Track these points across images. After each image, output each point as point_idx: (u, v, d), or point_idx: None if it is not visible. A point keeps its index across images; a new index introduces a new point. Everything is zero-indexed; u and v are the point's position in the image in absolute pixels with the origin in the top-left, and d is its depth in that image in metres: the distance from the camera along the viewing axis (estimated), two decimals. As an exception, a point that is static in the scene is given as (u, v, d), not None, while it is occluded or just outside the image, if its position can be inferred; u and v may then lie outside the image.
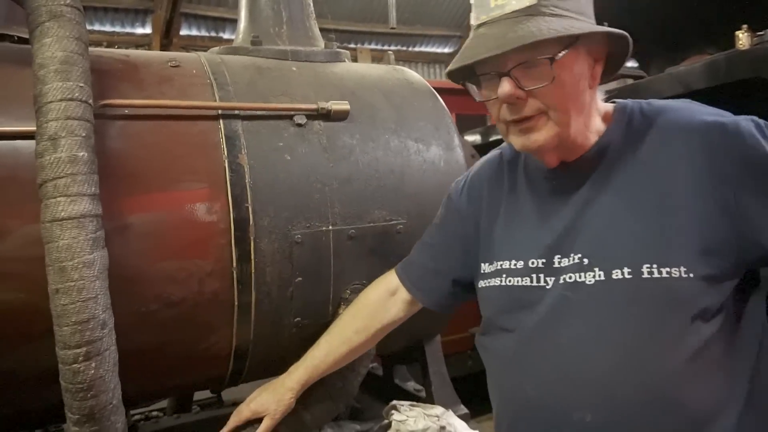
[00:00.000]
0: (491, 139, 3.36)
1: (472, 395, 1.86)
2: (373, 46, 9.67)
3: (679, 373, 0.82)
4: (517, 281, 0.97)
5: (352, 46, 9.31)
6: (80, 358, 0.98)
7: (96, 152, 1.06)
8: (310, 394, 1.28)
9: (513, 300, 0.97)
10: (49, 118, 0.97)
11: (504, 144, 1.10)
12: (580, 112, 0.89)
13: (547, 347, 0.91)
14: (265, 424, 1.20)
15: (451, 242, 1.15)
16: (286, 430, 1.25)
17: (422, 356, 1.74)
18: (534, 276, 0.94)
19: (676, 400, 0.82)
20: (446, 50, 11.19)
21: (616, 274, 0.85)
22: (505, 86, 0.86)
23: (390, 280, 1.24)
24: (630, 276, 0.84)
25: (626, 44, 0.90)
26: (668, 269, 0.82)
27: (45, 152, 0.96)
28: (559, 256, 0.92)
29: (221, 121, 1.26)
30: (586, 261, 0.89)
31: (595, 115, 0.94)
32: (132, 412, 1.96)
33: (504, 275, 1.00)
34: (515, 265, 0.98)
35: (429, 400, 1.69)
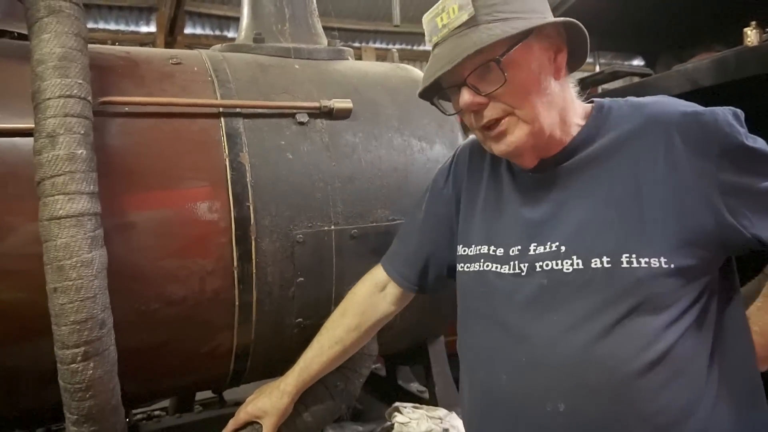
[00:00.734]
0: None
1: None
2: (377, 45, 9.63)
3: (652, 366, 0.81)
4: (495, 267, 0.97)
5: (357, 44, 9.29)
6: (78, 358, 0.97)
7: (96, 149, 1.05)
8: (311, 395, 1.27)
9: (489, 287, 0.98)
10: (48, 115, 0.96)
11: None
12: (548, 104, 0.90)
13: (521, 335, 0.91)
14: (264, 428, 1.19)
15: (436, 224, 1.16)
16: (286, 431, 1.24)
17: (425, 357, 1.72)
18: (511, 264, 0.95)
19: (649, 393, 0.81)
20: (451, 49, 11.14)
21: (595, 263, 0.85)
22: (464, 95, 0.90)
23: (377, 274, 1.24)
24: (609, 265, 0.84)
25: (582, 31, 0.92)
26: (647, 259, 0.82)
27: (43, 149, 0.95)
28: (536, 243, 0.93)
29: (222, 118, 1.24)
30: (563, 249, 0.89)
31: (571, 108, 0.95)
32: (134, 411, 1.96)
33: (482, 260, 1.00)
34: (493, 251, 0.99)
35: (432, 401, 1.67)
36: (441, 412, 1.43)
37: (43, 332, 0.99)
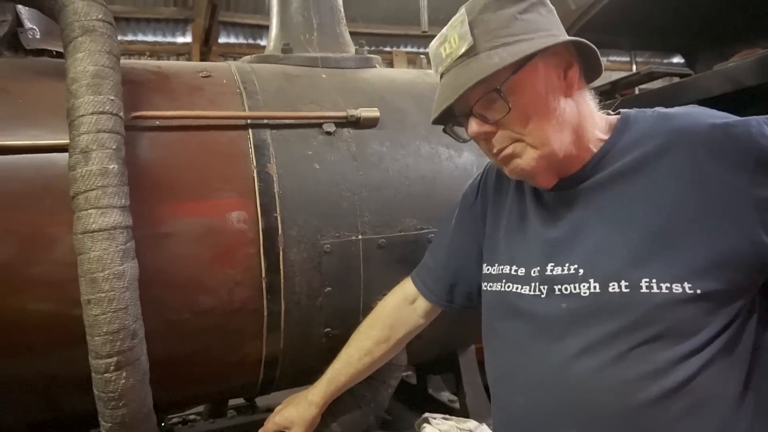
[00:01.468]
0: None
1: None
2: (408, 49, 9.63)
3: (668, 395, 0.76)
4: (517, 288, 0.95)
5: (388, 49, 9.31)
6: (111, 368, 0.99)
7: (128, 163, 1.07)
8: (339, 406, 1.27)
9: (510, 307, 0.95)
10: (81, 132, 0.98)
11: None
12: (559, 125, 0.87)
13: (538, 358, 0.88)
14: None
15: (465, 241, 1.14)
16: (315, 441, 1.24)
17: (456, 366, 1.70)
18: (531, 285, 0.92)
19: (665, 423, 0.77)
20: (482, 51, 11.02)
21: (612, 287, 0.81)
22: (472, 126, 0.89)
23: (407, 287, 1.24)
24: (627, 290, 0.80)
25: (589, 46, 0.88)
26: (668, 284, 0.77)
27: (77, 165, 0.98)
28: (553, 264, 0.90)
29: (250, 130, 1.26)
30: (581, 271, 0.85)
31: (589, 123, 0.91)
32: (169, 416, 2.00)
33: (504, 280, 0.98)
34: (514, 271, 0.96)
35: (463, 411, 1.65)
36: (471, 424, 1.40)
37: (80, 341, 1.01)
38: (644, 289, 0.78)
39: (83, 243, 0.97)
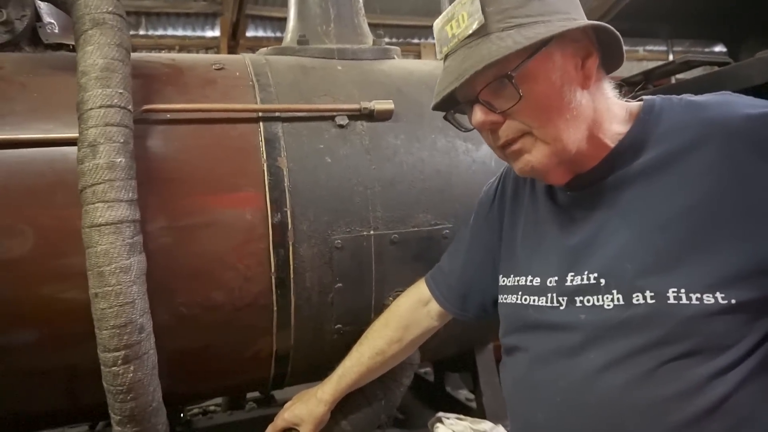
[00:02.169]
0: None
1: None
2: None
3: (705, 415, 0.69)
4: (533, 300, 0.88)
5: (416, 41, 9.22)
6: (119, 361, 1.00)
7: (139, 156, 1.07)
8: (349, 404, 1.25)
9: (527, 320, 0.89)
10: (89, 125, 0.98)
11: None
12: (573, 119, 0.79)
13: (559, 373, 0.82)
14: None
15: (480, 250, 1.09)
16: (325, 439, 1.23)
17: (474, 364, 1.66)
18: (549, 296, 0.85)
19: None
20: (513, 42, 10.82)
21: (637, 299, 0.74)
22: (477, 114, 0.81)
23: (422, 289, 1.20)
24: (653, 301, 0.72)
25: (612, 31, 0.80)
26: (698, 294, 0.70)
27: (85, 159, 0.98)
28: (573, 273, 0.83)
29: (261, 123, 1.24)
30: (603, 281, 0.78)
31: (607, 116, 0.84)
32: (189, 407, 2.03)
33: (520, 292, 0.92)
34: (531, 282, 0.90)
35: (480, 410, 1.61)
36: (486, 425, 1.37)
37: (93, 334, 1.02)
38: (672, 300, 0.71)
39: (90, 237, 0.97)
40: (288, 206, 1.21)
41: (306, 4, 1.67)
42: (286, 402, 2.04)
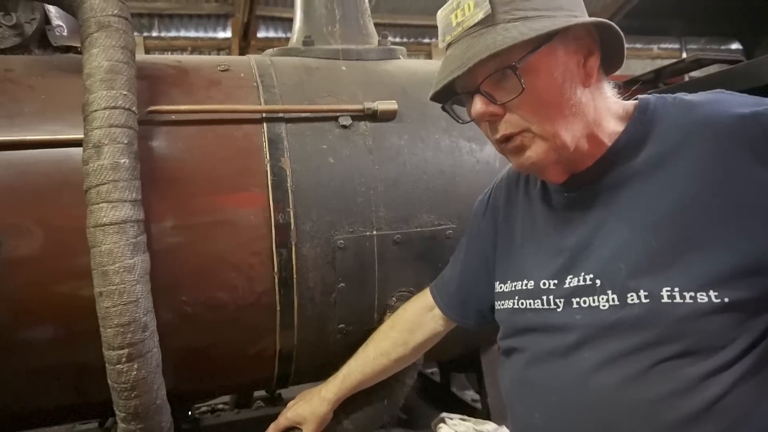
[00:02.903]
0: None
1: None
2: (448, 40, 9.49)
3: (698, 415, 0.69)
4: (530, 303, 0.88)
5: (426, 40, 9.21)
6: (123, 359, 1.01)
7: (143, 157, 1.08)
8: (352, 403, 1.26)
9: (525, 323, 0.89)
10: (94, 126, 1.00)
11: None
12: (573, 116, 0.79)
13: (554, 374, 0.82)
14: None
15: (475, 259, 1.10)
16: (327, 439, 1.23)
17: (479, 364, 1.66)
18: (545, 298, 0.85)
19: None
20: (525, 40, 10.76)
21: (632, 299, 0.74)
22: (477, 104, 0.80)
23: (427, 296, 1.22)
24: (647, 300, 0.72)
25: (616, 30, 0.80)
26: (692, 293, 0.70)
27: (90, 159, 0.99)
28: (570, 275, 0.82)
29: (265, 124, 1.25)
30: (598, 282, 0.78)
31: (604, 116, 0.84)
32: (197, 405, 2.05)
33: (516, 297, 0.92)
34: (527, 285, 0.90)
35: (484, 411, 1.61)
36: (490, 426, 1.36)
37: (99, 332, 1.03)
38: (666, 299, 0.71)
39: (95, 236, 0.98)
40: (291, 206, 1.21)
41: (312, 6, 1.68)
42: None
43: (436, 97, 0.88)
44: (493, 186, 1.12)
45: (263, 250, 1.20)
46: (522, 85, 0.76)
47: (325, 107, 1.31)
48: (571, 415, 0.79)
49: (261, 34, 7.20)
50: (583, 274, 0.81)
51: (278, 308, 1.23)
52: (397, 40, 8.50)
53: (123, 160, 1.00)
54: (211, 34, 7.14)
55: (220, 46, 7.24)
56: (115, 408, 1.07)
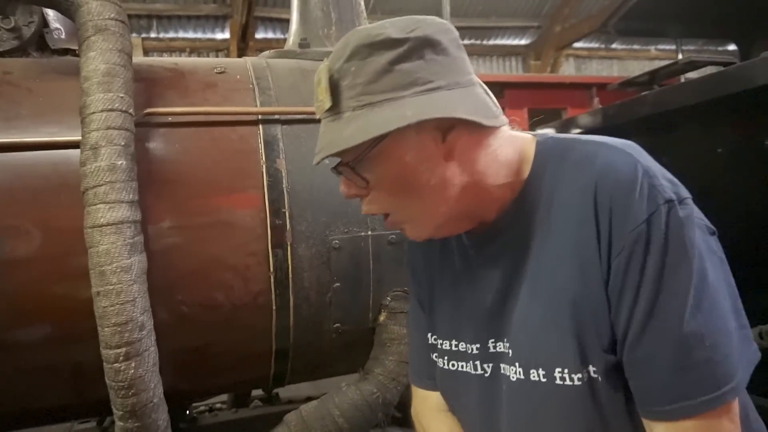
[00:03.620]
0: (569, 133, 3.11)
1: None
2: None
3: None
4: (461, 366, 0.85)
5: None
6: (120, 358, 1.02)
7: (140, 159, 1.10)
8: (346, 402, 1.27)
9: (459, 385, 0.87)
10: (91, 129, 1.01)
11: None
12: (434, 196, 0.73)
13: None
14: None
15: (420, 317, 0.99)
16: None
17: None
18: (472, 363, 0.83)
19: None
20: (523, 42, 10.82)
21: (533, 375, 0.73)
22: (341, 185, 0.77)
23: (424, 398, 0.98)
24: (545, 380, 0.72)
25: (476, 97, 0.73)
26: (580, 375, 0.69)
27: (87, 161, 1.01)
28: (493, 340, 0.80)
29: (261, 125, 1.27)
30: (510, 353, 0.77)
31: (490, 172, 0.76)
32: (195, 404, 2.06)
33: (446, 357, 0.88)
34: (455, 346, 0.86)
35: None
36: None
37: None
38: (558, 381, 0.71)
39: (92, 237, 1.00)
40: (286, 207, 1.23)
41: (308, 8, 1.70)
42: (290, 401, 2.09)
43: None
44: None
45: (259, 251, 1.22)
46: (365, 180, 0.73)
47: (320, 109, 1.32)
48: None
49: (259, 35, 7.22)
50: (505, 339, 0.79)
51: (274, 308, 1.25)
52: (396, 41, 8.50)
53: (120, 162, 1.02)
54: (209, 35, 7.15)
55: (219, 47, 7.26)
56: (112, 406, 1.09)
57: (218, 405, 2.18)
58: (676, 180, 0.72)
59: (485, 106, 0.73)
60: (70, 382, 1.24)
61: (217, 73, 1.35)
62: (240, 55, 6.88)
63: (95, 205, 1.00)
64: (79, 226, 1.04)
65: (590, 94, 5.68)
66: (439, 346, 0.90)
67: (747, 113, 1.98)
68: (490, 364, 0.81)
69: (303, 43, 1.59)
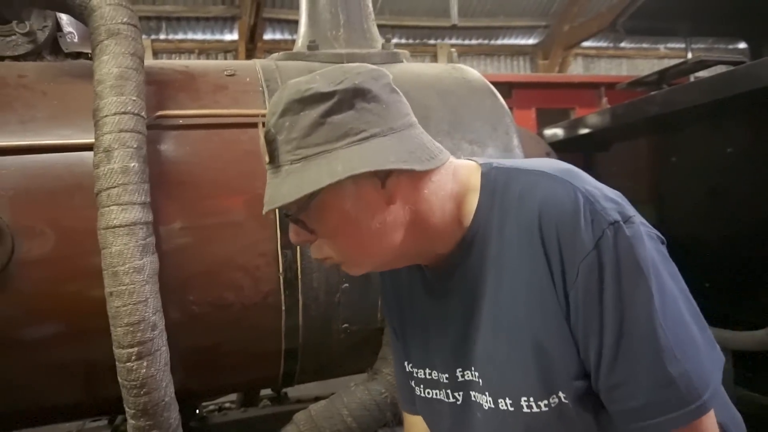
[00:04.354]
0: (576, 135, 3.09)
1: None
2: (453, 41, 9.53)
3: None
4: (435, 394, 0.87)
5: (432, 42, 9.23)
6: (133, 357, 1.04)
7: (152, 160, 1.12)
8: (355, 402, 1.28)
9: (435, 413, 0.89)
10: (104, 131, 1.03)
11: None
12: (377, 239, 0.74)
13: None
14: None
15: (397, 344, 1.00)
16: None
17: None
18: (444, 391, 0.85)
19: None
20: (530, 41, 10.78)
21: (502, 404, 0.75)
22: (291, 232, 0.78)
23: (412, 423, 1.02)
24: (512, 408, 0.74)
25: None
26: (546, 401, 0.71)
27: (100, 163, 1.03)
28: (461, 369, 0.82)
29: (270, 127, 1.28)
30: (481, 382, 0.79)
31: (437, 207, 0.77)
32: (205, 403, 2.08)
33: (421, 385, 0.90)
34: (428, 375, 0.88)
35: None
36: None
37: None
38: (525, 409, 0.73)
39: (105, 238, 1.02)
40: (295, 208, 1.24)
41: (316, 10, 1.71)
42: (299, 400, 2.10)
43: None
44: None
45: (269, 251, 1.23)
46: (310, 229, 0.75)
47: (329, 111, 1.34)
48: None
49: (267, 36, 7.26)
50: (473, 368, 0.80)
51: (283, 308, 1.26)
52: (402, 41, 8.55)
53: (132, 164, 1.03)
54: (218, 37, 7.20)
55: (227, 49, 7.31)
56: (125, 405, 1.10)
57: (227, 404, 2.20)
58: (618, 197, 0.72)
59: (421, 148, 0.74)
60: (82, 381, 1.26)
61: (227, 75, 1.37)
62: (248, 56, 6.92)
63: (108, 206, 1.01)
64: (92, 227, 1.05)
65: (599, 94, 5.66)
66: (414, 374, 0.92)
67: (757, 113, 1.97)
68: (461, 393, 0.82)
69: (312, 45, 1.60)
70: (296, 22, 1.84)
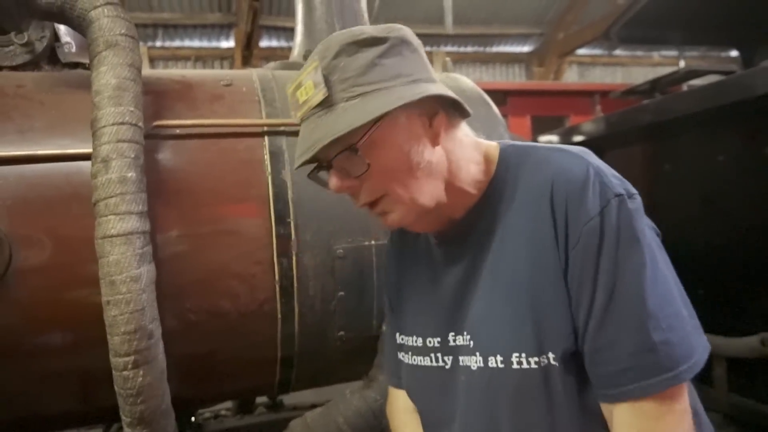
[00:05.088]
0: (570, 142, 3.13)
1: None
2: (448, 49, 9.58)
3: None
4: (420, 360, 0.91)
5: (427, 49, 9.28)
6: (129, 366, 1.04)
7: (149, 170, 1.13)
8: (350, 408, 1.29)
9: (420, 380, 0.92)
10: (102, 142, 1.04)
11: None
12: (425, 179, 0.80)
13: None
14: None
15: (391, 318, 1.06)
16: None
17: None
18: (432, 356, 0.88)
19: None
20: (525, 49, 10.87)
21: (492, 362, 0.78)
22: (332, 180, 0.81)
23: (399, 398, 1.04)
24: (503, 365, 0.77)
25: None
26: (537, 358, 0.75)
27: (98, 173, 1.04)
28: (453, 333, 0.86)
29: (266, 137, 1.29)
30: (472, 344, 0.82)
31: (463, 167, 0.83)
32: (201, 410, 2.08)
33: (409, 353, 0.93)
34: (416, 342, 0.92)
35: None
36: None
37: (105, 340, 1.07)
38: (515, 366, 0.76)
39: (103, 247, 1.02)
40: (291, 217, 1.25)
41: (312, 20, 1.73)
42: (294, 407, 2.10)
43: (303, 165, 0.85)
44: (390, 236, 1.10)
45: (265, 260, 1.24)
46: (367, 164, 0.76)
47: (324, 120, 1.35)
48: None
49: (264, 44, 7.28)
50: (465, 332, 0.84)
51: (279, 316, 1.27)
52: (399, 48, 8.55)
53: (130, 174, 1.04)
54: (214, 44, 7.22)
55: (224, 56, 7.33)
56: (121, 413, 1.11)
57: (223, 411, 2.20)
58: (624, 179, 0.78)
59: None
60: (79, 389, 1.26)
61: (223, 85, 1.38)
62: (245, 64, 6.94)
63: (106, 216, 1.02)
64: (90, 236, 1.06)
65: (593, 102, 5.71)
66: (404, 344, 0.96)
67: (748, 122, 2.00)
68: (450, 357, 0.86)
69: (308, 55, 1.61)
70: (293, 30, 1.85)
